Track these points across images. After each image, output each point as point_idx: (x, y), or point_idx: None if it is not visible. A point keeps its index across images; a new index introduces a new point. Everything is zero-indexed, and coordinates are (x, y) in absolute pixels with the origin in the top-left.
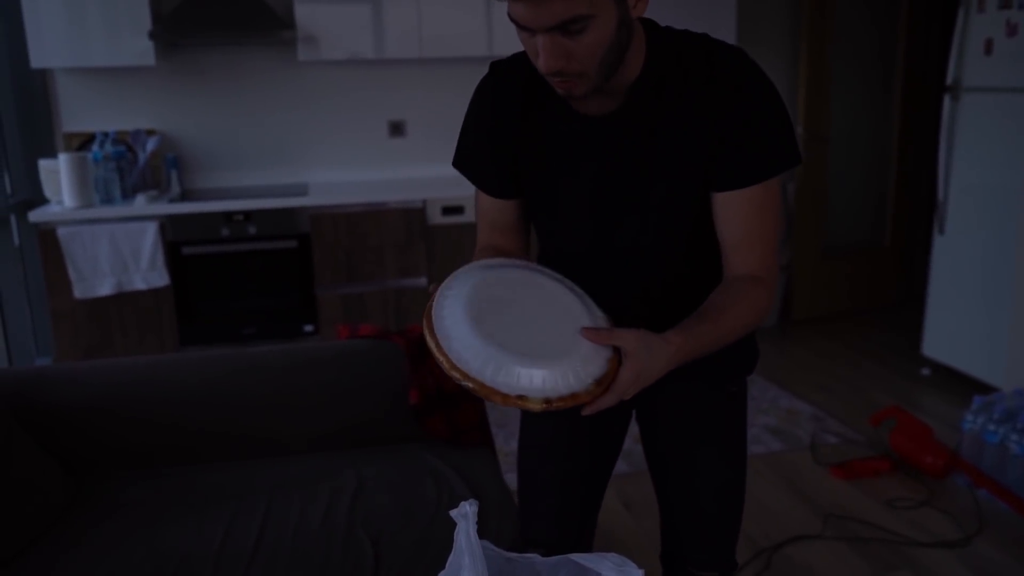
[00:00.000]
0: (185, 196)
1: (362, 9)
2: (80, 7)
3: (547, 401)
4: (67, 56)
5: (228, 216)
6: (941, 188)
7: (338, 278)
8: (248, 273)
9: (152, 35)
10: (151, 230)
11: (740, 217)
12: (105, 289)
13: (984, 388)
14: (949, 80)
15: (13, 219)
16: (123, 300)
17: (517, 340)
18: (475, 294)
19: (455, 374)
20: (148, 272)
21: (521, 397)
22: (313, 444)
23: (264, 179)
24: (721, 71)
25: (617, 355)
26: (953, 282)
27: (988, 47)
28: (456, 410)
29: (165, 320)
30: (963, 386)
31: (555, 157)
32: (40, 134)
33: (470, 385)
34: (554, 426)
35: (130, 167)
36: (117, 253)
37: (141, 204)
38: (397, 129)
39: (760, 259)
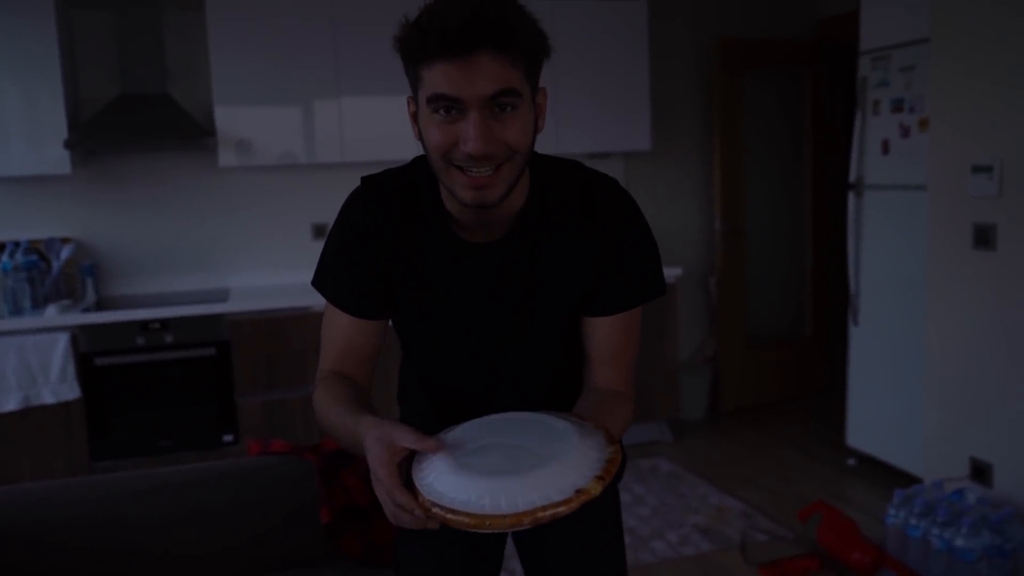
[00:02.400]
0: (101, 304)
1: (280, 114)
2: None
3: (552, 506)
4: None
5: (144, 325)
6: (852, 281)
7: (259, 385)
8: (165, 383)
9: (68, 144)
10: (62, 341)
11: (607, 338)
12: (11, 404)
13: (907, 478)
14: (852, 178)
15: None
16: (30, 415)
17: (505, 461)
18: (451, 455)
19: (465, 524)
20: (58, 385)
21: (546, 507)
22: (222, 568)
23: (186, 285)
24: (599, 203)
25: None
26: (870, 372)
27: (885, 147)
28: (370, 527)
29: (75, 434)
30: (887, 476)
31: (434, 281)
32: None
33: (479, 526)
34: (428, 550)
35: (42, 276)
36: (25, 366)
37: (52, 315)
38: (320, 231)
39: (624, 377)
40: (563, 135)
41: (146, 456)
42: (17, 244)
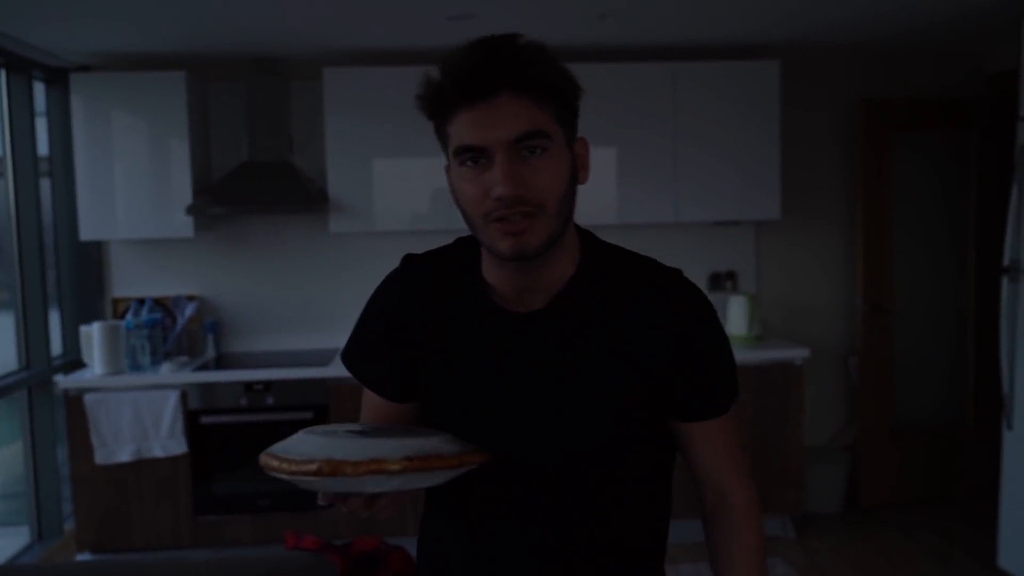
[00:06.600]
0: (220, 360)
1: (389, 183)
2: (127, 184)
3: (408, 459)
4: (112, 229)
5: (248, 386)
6: (1005, 379)
7: None
8: (264, 443)
9: (189, 210)
10: (172, 398)
11: (714, 446)
12: (124, 456)
13: None
14: (1006, 261)
15: (59, 380)
16: (142, 467)
17: (364, 433)
18: (313, 429)
19: (296, 468)
20: (167, 440)
21: (375, 459)
22: None
23: (300, 344)
24: (666, 290)
25: (482, 449)
26: None
27: None
28: None
29: (182, 488)
30: None
31: (468, 354)
32: (92, 299)
33: (313, 468)
34: None
35: (166, 333)
36: (139, 420)
37: (164, 372)
38: None
39: (735, 476)
40: (683, 202)
41: (246, 514)
42: (142, 302)
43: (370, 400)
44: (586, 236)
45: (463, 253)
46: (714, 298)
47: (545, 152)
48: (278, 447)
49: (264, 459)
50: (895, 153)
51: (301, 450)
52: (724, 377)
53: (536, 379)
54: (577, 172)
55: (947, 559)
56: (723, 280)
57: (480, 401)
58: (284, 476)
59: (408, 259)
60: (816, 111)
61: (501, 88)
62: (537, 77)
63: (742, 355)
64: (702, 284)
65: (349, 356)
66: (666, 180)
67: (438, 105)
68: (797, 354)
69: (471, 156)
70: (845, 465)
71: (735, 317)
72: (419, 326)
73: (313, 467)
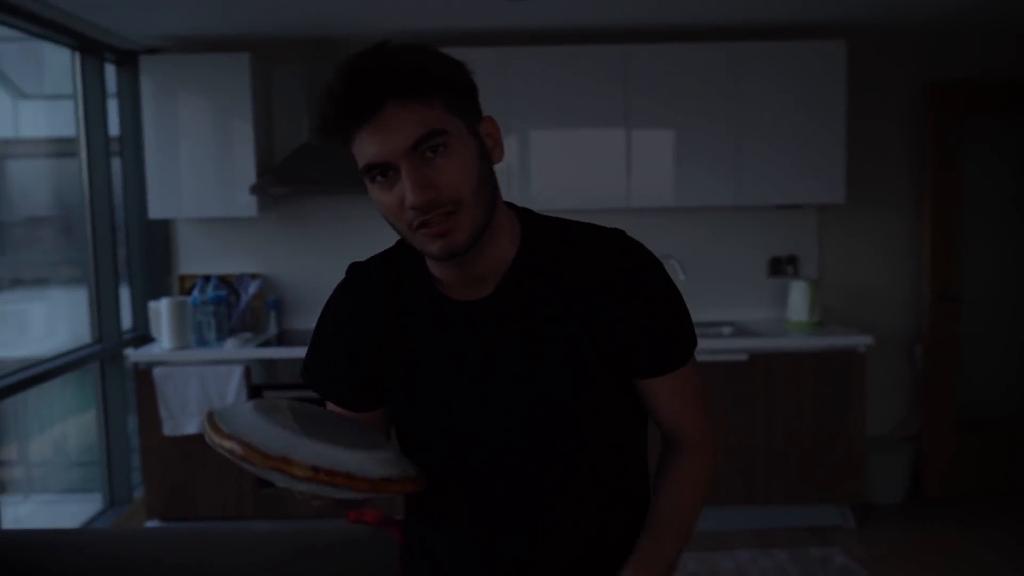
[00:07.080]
0: (282, 337)
1: None
2: (193, 164)
3: (315, 469)
4: (179, 208)
5: None
6: None
7: None
8: None
9: (253, 190)
10: (237, 374)
11: (675, 398)
12: (191, 428)
13: None
14: None
15: (129, 353)
16: None
17: (301, 427)
18: (264, 403)
19: (218, 441)
20: None
21: (286, 459)
22: None
23: None
24: (611, 253)
25: (423, 478)
26: None
27: None
28: None
29: None
30: None
31: (426, 353)
32: (160, 276)
33: (227, 446)
34: None
35: (230, 309)
36: (205, 394)
37: (229, 348)
38: None
39: (698, 426)
40: (743, 185)
41: None
42: (207, 279)
43: (335, 408)
44: (524, 214)
45: (407, 252)
46: (775, 283)
47: (447, 148)
48: (221, 410)
49: (205, 416)
50: (964, 136)
51: (237, 422)
52: (678, 330)
53: (495, 364)
54: (489, 154)
55: (1011, 554)
56: (784, 265)
57: (445, 394)
58: (208, 441)
59: (353, 268)
60: (881, 93)
61: (384, 101)
62: (413, 78)
63: (803, 341)
64: (762, 268)
65: (309, 373)
66: (726, 162)
67: (336, 135)
68: (860, 341)
69: (378, 172)
70: (908, 455)
71: (796, 303)
72: (375, 332)
73: (227, 445)
